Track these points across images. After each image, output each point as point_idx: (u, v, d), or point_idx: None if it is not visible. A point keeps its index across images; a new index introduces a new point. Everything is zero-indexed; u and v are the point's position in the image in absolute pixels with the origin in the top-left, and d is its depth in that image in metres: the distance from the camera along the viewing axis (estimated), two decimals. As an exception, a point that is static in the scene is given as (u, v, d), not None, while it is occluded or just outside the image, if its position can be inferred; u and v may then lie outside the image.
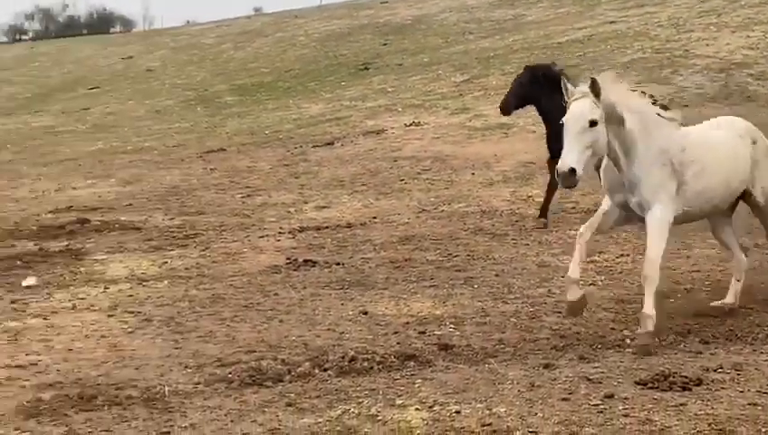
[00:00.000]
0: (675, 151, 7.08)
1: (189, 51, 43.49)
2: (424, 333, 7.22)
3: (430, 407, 5.61)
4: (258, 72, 33.58)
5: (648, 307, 6.85)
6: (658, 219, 6.95)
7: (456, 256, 9.86)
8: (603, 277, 8.86)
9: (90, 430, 5.42)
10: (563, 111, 11.42)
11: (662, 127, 7.14)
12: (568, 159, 6.63)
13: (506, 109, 12.18)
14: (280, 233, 11.25)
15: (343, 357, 6.56)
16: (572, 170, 6.56)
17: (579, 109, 6.81)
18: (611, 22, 28.48)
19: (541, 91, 11.47)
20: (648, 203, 6.98)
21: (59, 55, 50.62)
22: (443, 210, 12.56)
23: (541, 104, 11.63)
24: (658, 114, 7.23)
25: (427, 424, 5.35)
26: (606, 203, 7.35)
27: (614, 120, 6.83)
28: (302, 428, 5.35)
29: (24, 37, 75.08)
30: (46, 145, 23.02)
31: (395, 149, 17.31)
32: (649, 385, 5.90)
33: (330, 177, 15.21)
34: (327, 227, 11.56)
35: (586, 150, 6.72)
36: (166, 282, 9.08)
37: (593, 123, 6.72)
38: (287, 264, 9.63)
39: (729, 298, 7.80)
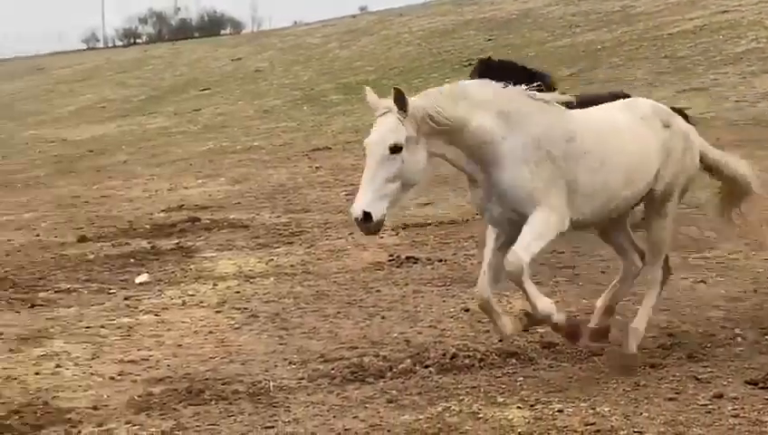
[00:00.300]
0: (557, 142, 5.64)
1: (296, 51, 44.00)
2: (526, 330, 7.16)
3: (532, 405, 5.58)
4: (363, 71, 33.76)
5: (535, 305, 5.80)
6: (541, 219, 5.57)
7: (560, 253, 9.74)
8: (714, 274, 8.63)
9: (197, 424, 5.55)
10: None
11: (537, 114, 5.68)
12: (361, 200, 5.27)
13: None
14: (383, 230, 11.31)
15: (444, 354, 6.56)
16: (367, 215, 5.23)
17: (377, 131, 5.40)
18: (724, 11, 27.71)
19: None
20: (526, 214, 5.59)
21: (171, 58, 51.85)
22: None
23: None
24: (531, 97, 5.83)
25: (528, 423, 5.33)
26: (490, 238, 6.02)
27: (443, 130, 5.47)
28: (403, 424, 5.38)
29: (138, 41, 77.10)
30: (159, 146, 23.61)
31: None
32: (761, 385, 5.76)
33: (433, 173, 15.18)
34: (430, 224, 11.57)
35: (388, 185, 5.32)
36: (272, 279, 9.23)
37: (396, 149, 5.27)
38: (390, 261, 9.68)
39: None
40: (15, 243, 11.97)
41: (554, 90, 11.29)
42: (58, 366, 6.66)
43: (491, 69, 11.28)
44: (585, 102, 11.01)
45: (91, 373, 6.51)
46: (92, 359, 6.84)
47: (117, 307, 8.43)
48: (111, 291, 9.11)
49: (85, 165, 20.87)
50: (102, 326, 7.74)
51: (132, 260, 10.48)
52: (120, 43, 77.08)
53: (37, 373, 6.54)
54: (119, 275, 9.81)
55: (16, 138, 28.39)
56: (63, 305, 8.58)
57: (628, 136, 6.01)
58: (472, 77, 11.68)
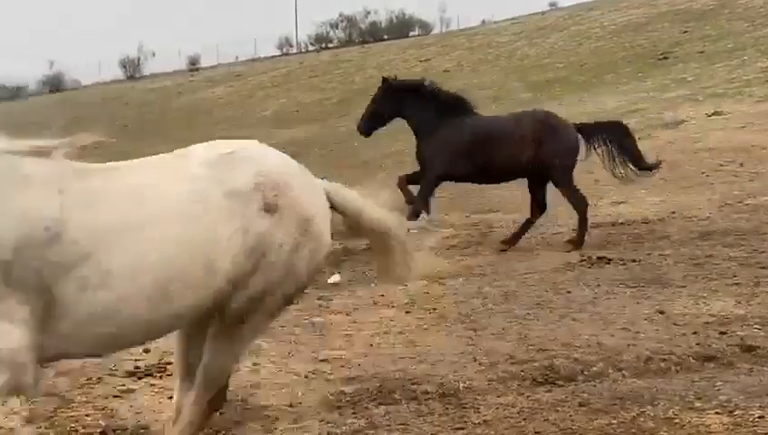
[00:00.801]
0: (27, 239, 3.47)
1: (484, 50, 43.96)
2: (725, 333, 6.89)
3: (731, 411, 5.36)
4: (552, 68, 33.39)
5: None
6: None
7: (761, 253, 9.33)
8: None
9: (388, 423, 5.62)
10: (430, 124, 10.53)
11: None
12: None
13: (362, 129, 11.44)
14: (573, 230, 11.13)
15: (638, 357, 6.40)
16: None
17: None
18: None
19: (401, 104, 10.91)
20: None
21: (361, 60, 52.85)
22: (747, 204, 11.94)
23: (406, 118, 11.06)
24: None
25: (727, 429, 5.12)
26: None
27: None
28: (596, 429, 5.28)
29: (329, 45, 79.02)
30: (350, 148, 24.09)
31: (695, 140, 16.65)
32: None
33: (626, 171, 14.82)
34: (622, 223, 11.32)
35: None
36: (461, 279, 9.25)
37: None
38: (580, 261, 9.52)
39: None
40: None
41: (473, 112, 10.94)
42: (255, 364, 6.89)
43: (392, 91, 11.09)
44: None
45: (287, 371, 6.70)
46: (287, 357, 7.04)
47: (310, 307, 8.64)
48: (305, 291, 9.35)
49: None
50: (296, 325, 7.96)
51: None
52: (313, 48, 79.16)
53: (236, 370, 6.79)
54: (312, 275, 10.06)
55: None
56: (260, 305, 8.88)
57: (173, 225, 3.78)
58: (372, 101, 11.36)
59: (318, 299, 8.89)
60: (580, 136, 10.51)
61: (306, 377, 6.55)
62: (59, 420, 5.86)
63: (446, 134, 10.51)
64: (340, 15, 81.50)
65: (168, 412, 5.90)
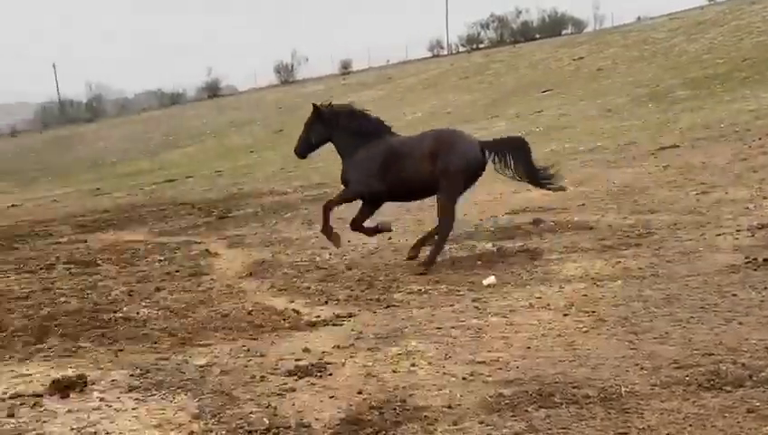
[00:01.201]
0: None
1: (640, 47, 42.99)
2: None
3: None
4: (712, 64, 32.35)
5: None
6: None
7: None
8: None
9: (549, 427, 5.56)
10: (352, 148, 11.55)
11: None
12: None
13: (299, 152, 12.06)
14: (738, 231, 10.75)
15: (811, 363, 6.12)
16: None
17: None
18: None
19: (330, 130, 11.60)
20: None
21: (513, 61, 52.52)
22: None
23: (333, 142, 11.69)
24: None
25: None
26: None
27: None
28: (766, 436, 5.08)
29: (480, 46, 78.83)
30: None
31: None
32: None
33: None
34: (791, 224, 10.84)
35: None
36: (619, 282, 9.06)
37: None
38: (746, 263, 9.18)
39: None
40: (370, 246, 12.67)
41: (390, 134, 11.63)
42: (413, 365, 6.94)
43: (320, 117, 11.83)
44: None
45: (444, 373, 6.71)
46: (445, 359, 7.06)
47: (466, 309, 8.65)
48: (460, 293, 9.37)
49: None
50: (453, 327, 7.98)
51: (479, 262, 10.73)
52: (464, 49, 79.13)
53: (394, 371, 6.85)
54: (467, 277, 10.08)
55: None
56: (416, 306, 8.95)
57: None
58: (306, 127, 11.97)
59: (473, 301, 8.88)
60: (481, 151, 10.99)
61: (464, 379, 6.55)
62: (225, 416, 6.05)
63: (362, 156, 11.36)
64: (492, 16, 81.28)
65: (329, 411, 6.02)
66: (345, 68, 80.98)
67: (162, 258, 13.31)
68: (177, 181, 31.83)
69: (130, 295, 10.35)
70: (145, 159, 48.19)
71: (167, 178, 33.45)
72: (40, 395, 6.62)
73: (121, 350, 7.89)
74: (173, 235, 16.60)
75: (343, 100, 46.19)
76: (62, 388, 6.64)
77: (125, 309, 9.53)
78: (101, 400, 6.51)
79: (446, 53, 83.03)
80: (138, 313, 9.32)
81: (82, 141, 58.79)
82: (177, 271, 11.99)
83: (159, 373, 7.05)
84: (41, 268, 13.20)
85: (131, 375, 7.03)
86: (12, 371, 7.33)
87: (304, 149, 12.11)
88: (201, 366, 7.21)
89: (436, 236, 11.08)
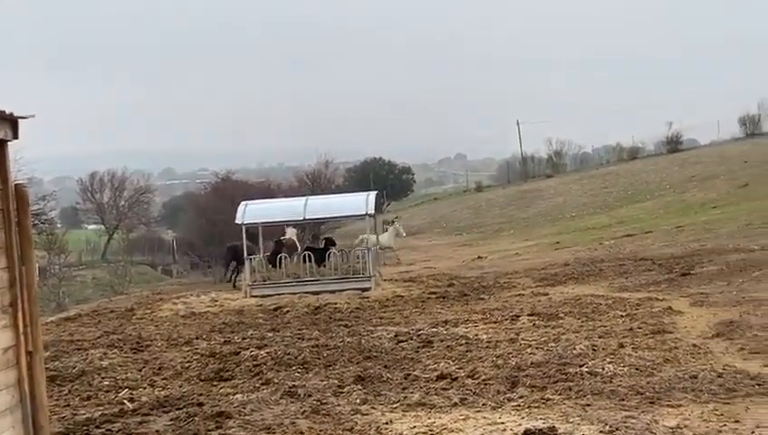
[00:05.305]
0: None
1: None
2: None
3: None
4: None
5: None
6: None
7: None
8: None
9: None
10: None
11: None
12: None
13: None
14: None
15: None
16: None
17: None
18: None
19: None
20: None
21: None
22: None
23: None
24: None
25: None
26: None
27: None
28: None
29: None
30: None
31: None
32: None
33: None
34: None
35: None
36: None
37: None
38: None
39: None
40: None
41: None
42: None
43: (231, 252, 17.08)
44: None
45: None
46: None
47: None
48: None
49: None
50: None
51: None
52: None
53: None
54: None
55: None
56: None
57: None
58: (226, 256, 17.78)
59: None
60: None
61: None
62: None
63: None
64: None
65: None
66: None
67: (624, 314, 13.25)
68: (635, 236, 31.52)
69: (594, 350, 10.41)
70: (603, 214, 48.44)
71: (625, 233, 33.25)
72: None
73: (589, 405, 7.94)
74: (633, 290, 16.48)
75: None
76: (534, 439, 6.84)
77: (590, 363, 9.60)
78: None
79: None
80: (603, 368, 9.33)
81: (542, 196, 60.53)
82: (639, 327, 11.88)
83: (629, 432, 6.98)
84: (506, 319, 13.74)
85: (600, 432, 7.04)
86: (485, 417, 7.68)
87: (228, 274, 16.63)
88: (671, 428, 7.03)
89: None
